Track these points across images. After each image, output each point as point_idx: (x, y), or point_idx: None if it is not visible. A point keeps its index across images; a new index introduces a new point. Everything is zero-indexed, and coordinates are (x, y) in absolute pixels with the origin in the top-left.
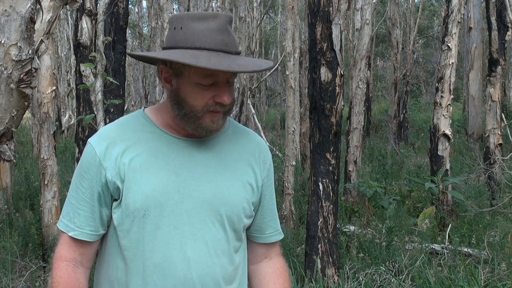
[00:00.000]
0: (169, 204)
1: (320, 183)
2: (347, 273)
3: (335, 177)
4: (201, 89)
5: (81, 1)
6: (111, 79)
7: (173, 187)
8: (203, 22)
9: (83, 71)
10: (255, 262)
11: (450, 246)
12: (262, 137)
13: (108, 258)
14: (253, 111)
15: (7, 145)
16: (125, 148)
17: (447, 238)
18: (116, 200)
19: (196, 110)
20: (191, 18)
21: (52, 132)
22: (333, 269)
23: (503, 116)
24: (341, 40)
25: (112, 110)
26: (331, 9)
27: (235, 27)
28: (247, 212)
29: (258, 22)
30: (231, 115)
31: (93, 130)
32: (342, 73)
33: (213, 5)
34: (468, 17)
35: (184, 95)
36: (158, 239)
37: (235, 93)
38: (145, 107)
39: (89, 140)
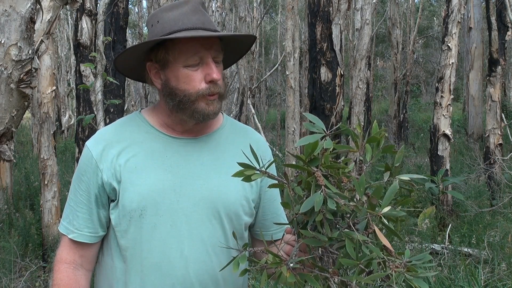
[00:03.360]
0: (166, 203)
1: None
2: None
3: None
4: (190, 71)
5: (81, 1)
6: (111, 79)
7: (169, 186)
8: (176, 9)
9: (83, 71)
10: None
11: (450, 246)
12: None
13: (107, 259)
14: (253, 111)
15: (7, 145)
16: (121, 149)
17: (447, 238)
18: (113, 201)
19: (190, 94)
20: (164, 10)
21: (52, 132)
22: None
23: (503, 116)
24: (341, 40)
25: (112, 110)
26: (331, 9)
27: (235, 27)
28: (246, 209)
29: (258, 22)
30: (231, 115)
31: (93, 130)
32: (342, 73)
33: (213, 5)
34: (468, 17)
35: (175, 83)
36: (155, 238)
37: (235, 93)
38: (141, 109)
39: (86, 143)
